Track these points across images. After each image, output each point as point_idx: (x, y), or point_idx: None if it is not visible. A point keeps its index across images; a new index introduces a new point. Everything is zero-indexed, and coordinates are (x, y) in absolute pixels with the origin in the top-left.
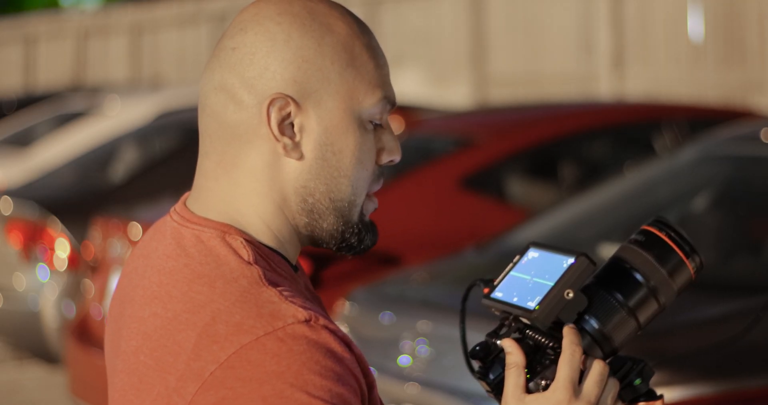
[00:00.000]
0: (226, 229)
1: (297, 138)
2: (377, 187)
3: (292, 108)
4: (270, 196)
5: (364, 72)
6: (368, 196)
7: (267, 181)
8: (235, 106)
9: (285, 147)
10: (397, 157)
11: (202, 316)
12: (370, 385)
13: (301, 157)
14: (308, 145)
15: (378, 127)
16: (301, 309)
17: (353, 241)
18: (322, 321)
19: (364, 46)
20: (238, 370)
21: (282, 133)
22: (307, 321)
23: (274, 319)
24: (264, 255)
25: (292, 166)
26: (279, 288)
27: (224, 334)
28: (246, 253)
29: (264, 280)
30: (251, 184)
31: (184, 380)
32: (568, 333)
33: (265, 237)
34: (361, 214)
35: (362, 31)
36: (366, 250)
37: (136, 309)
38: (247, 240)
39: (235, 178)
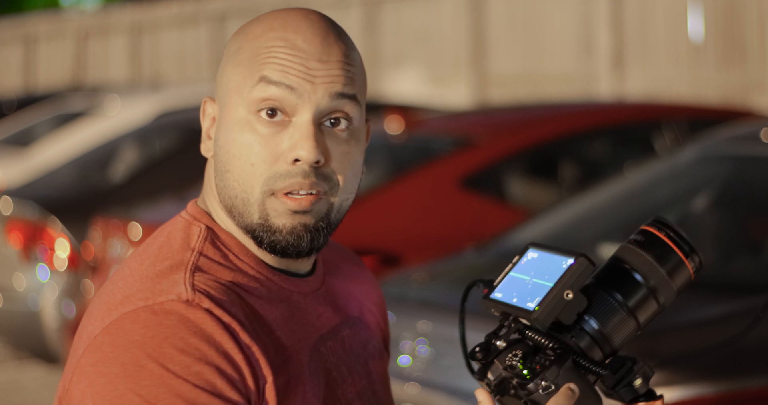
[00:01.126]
0: (199, 217)
1: (213, 137)
2: (284, 185)
3: (212, 110)
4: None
5: (250, 66)
6: (277, 194)
7: (210, 180)
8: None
9: (206, 146)
10: (301, 154)
11: (113, 288)
12: (261, 378)
13: (213, 156)
14: (213, 144)
15: (284, 123)
16: (190, 291)
17: (258, 239)
18: (207, 304)
19: (265, 46)
20: (113, 336)
21: (207, 133)
22: (187, 301)
23: (158, 295)
24: (226, 246)
25: (212, 163)
26: (198, 274)
27: (116, 303)
28: (195, 239)
29: (189, 266)
30: (209, 182)
31: (81, 343)
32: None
33: (233, 230)
34: (265, 213)
35: (283, 30)
36: (288, 253)
37: None
38: (209, 227)
39: (206, 176)
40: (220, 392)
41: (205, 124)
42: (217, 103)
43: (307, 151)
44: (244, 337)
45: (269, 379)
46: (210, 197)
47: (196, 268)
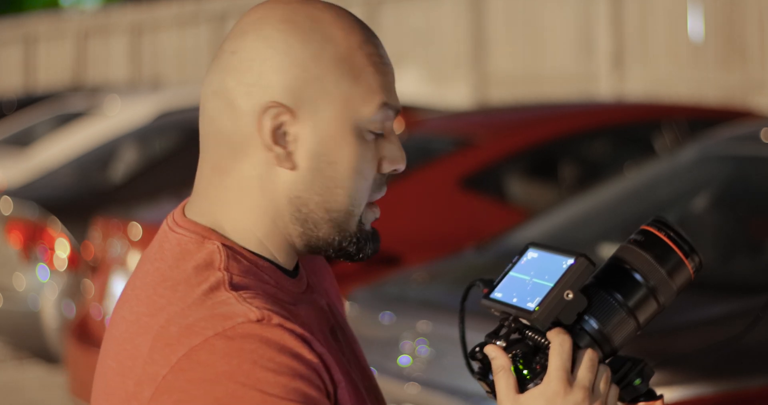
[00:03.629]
0: (207, 234)
1: (290, 148)
2: (379, 196)
3: (286, 117)
4: (260, 204)
5: (363, 82)
6: (369, 205)
7: (258, 190)
8: (231, 113)
9: (277, 157)
10: (401, 166)
11: (158, 319)
12: (336, 383)
13: (294, 167)
14: (302, 155)
15: (380, 136)
16: (255, 309)
17: (351, 249)
18: (276, 320)
19: (366, 56)
20: (188, 373)
21: (275, 142)
22: (259, 320)
23: (224, 320)
24: (244, 260)
25: (285, 176)
26: (241, 291)
27: (176, 336)
28: (218, 258)
29: (227, 285)
30: (242, 192)
31: (141, 385)
32: (554, 329)
33: (251, 244)
34: (360, 223)
35: (366, 39)
36: (365, 258)
37: (115, 313)
38: (225, 245)
39: (227, 185)
40: (317, 403)
41: (267, 128)
42: (303, 109)
43: (404, 164)
44: (316, 345)
45: (341, 383)
46: (226, 210)
47: (235, 287)
